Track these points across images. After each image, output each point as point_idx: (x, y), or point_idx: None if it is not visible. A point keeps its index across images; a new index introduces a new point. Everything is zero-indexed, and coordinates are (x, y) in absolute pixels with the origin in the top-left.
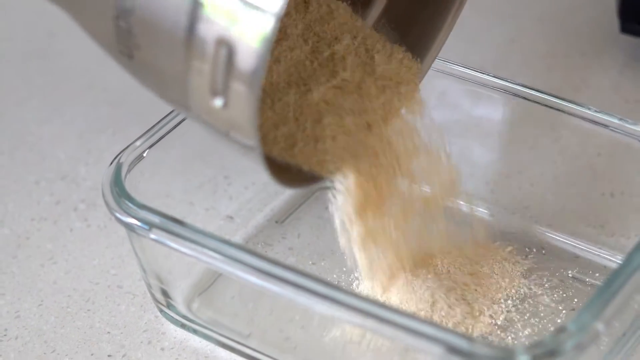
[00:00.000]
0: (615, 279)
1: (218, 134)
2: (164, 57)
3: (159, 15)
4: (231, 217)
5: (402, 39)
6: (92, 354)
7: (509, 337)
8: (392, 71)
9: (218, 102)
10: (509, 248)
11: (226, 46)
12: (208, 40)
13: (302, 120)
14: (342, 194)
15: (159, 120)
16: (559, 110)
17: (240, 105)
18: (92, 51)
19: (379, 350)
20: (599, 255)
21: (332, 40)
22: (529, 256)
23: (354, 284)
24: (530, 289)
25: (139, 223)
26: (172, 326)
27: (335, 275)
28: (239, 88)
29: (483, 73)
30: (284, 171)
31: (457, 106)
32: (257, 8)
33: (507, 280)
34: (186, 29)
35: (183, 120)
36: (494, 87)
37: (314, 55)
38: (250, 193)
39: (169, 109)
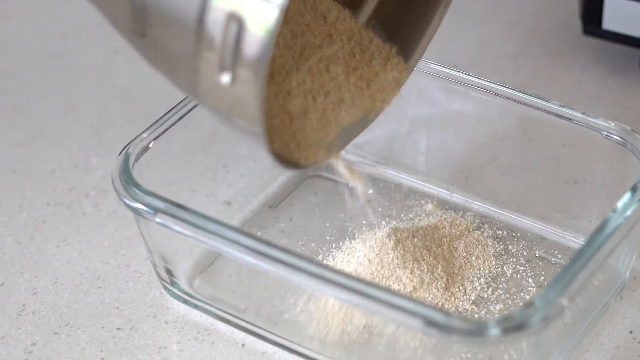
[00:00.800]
0: (578, 259)
1: (222, 116)
2: (177, 34)
3: None
4: (229, 203)
5: (390, 38)
6: (102, 327)
7: (482, 312)
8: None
9: (226, 78)
10: (482, 231)
11: (237, 22)
12: (219, 17)
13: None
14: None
15: (163, 114)
16: (527, 105)
17: (247, 80)
18: (102, 51)
19: (360, 322)
20: (563, 237)
21: (325, 37)
22: (500, 238)
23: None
24: (501, 268)
25: (145, 208)
26: (175, 302)
27: (321, 256)
28: (247, 63)
29: (458, 71)
30: (279, 155)
31: (435, 101)
32: None
33: (480, 260)
34: (199, 7)
35: (186, 114)
36: (468, 84)
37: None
38: (246, 180)
39: (173, 103)
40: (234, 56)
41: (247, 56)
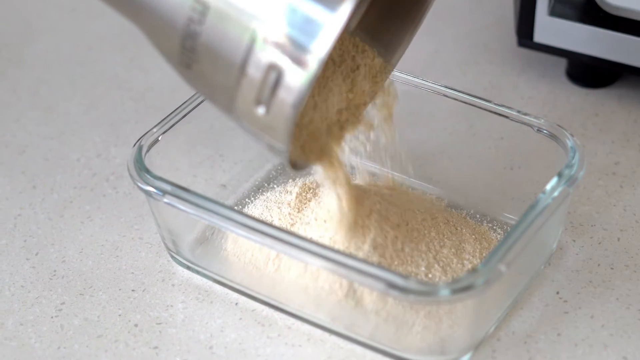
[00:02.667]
0: (514, 233)
1: (251, 134)
2: (220, 72)
3: (222, 40)
4: (224, 186)
5: (374, 43)
6: (120, 289)
7: (436, 276)
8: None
9: (260, 111)
10: (436, 209)
11: (276, 72)
12: (261, 65)
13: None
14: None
15: (170, 112)
16: (471, 105)
17: (281, 117)
18: (120, 60)
19: (333, 285)
20: (502, 214)
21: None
22: (450, 215)
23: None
24: (451, 239)
25: (155, 190)
26: (180, 268)
27: (302, 231)
28: (283, 104)
29: (414, 76)
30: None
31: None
32: (305, 49)
33: (433, 233)
34: (243, 54)
35: (189, 112)
36: (422, 87)
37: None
38: (239, 167)
39: (179, 104)
40: (271, 95)
41: (284, 99)
